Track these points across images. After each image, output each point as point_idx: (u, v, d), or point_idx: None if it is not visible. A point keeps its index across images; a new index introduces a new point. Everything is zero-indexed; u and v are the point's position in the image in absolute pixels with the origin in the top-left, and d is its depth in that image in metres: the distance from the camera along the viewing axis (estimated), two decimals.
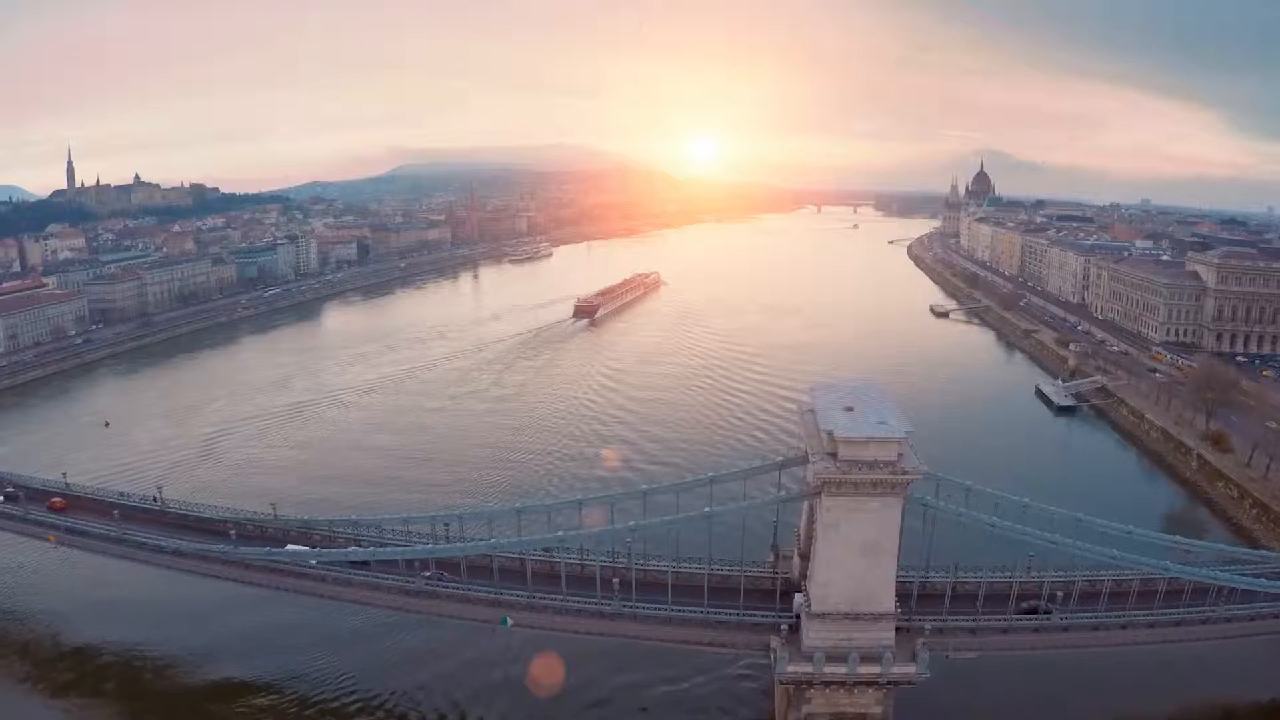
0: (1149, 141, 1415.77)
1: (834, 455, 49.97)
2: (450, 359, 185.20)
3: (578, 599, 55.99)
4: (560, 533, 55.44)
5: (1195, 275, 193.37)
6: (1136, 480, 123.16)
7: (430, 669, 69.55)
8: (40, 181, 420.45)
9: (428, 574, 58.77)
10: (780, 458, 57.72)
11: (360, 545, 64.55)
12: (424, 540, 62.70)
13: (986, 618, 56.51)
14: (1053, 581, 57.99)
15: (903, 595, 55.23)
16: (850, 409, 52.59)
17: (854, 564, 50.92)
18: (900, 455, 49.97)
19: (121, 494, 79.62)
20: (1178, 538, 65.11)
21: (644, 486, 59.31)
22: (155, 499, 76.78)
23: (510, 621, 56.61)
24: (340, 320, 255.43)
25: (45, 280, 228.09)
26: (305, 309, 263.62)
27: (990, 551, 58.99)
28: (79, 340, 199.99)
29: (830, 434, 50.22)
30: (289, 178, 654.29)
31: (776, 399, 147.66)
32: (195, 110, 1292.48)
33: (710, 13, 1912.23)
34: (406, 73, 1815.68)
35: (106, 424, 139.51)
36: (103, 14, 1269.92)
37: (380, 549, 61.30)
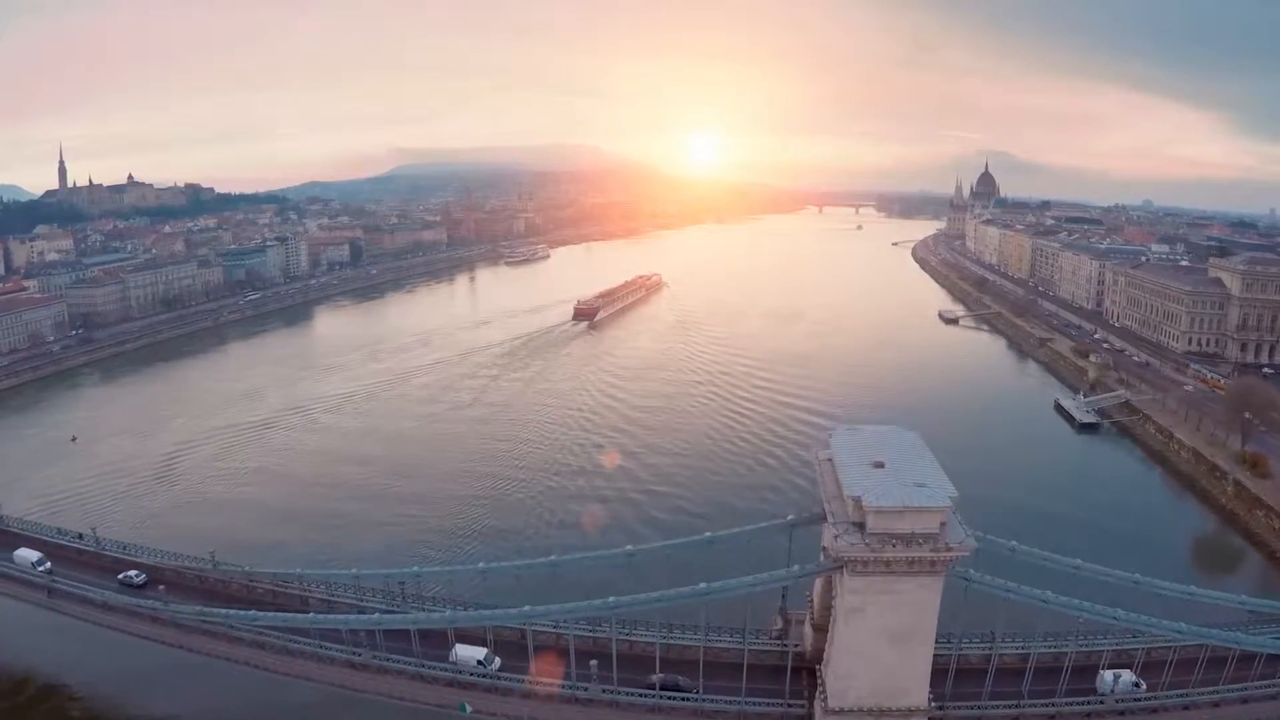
0: (1151, 142, 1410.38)
1: (861, 526, 41.15)
2: (435, 367, 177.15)
3: (549, 682, 47.67)
4: (528, 607, 46.89)
5: (1218, 282, 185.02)
6: (1167, 507, 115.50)
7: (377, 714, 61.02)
8: (39, 181, 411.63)
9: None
10: (791, 516, 48.75)
11: (306, 602, 56.80)
12: (378, 602, 54.65)
13: (1032, 702, 48.22)
14: (1111, 652, 50.66)
15: (936, 673, 46.56)
16: (880, 464, 43.71)
17: (881, 653, 42.31)
18: (943, 526, 40.99)
19: (58, 529, 73.20)
20: (1243, 597, 57.02)
21: (629, 547, 50.82)
22: (82, 536, 70.45)
23: (469, 707, 48.28)
24: (326, 326, 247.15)
25: (26, 283, 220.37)
26: (292, 314, 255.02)
27: (1035, 615, 50.51)
28: (57, 347, 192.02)
29: (857, 501, 41.41)
30: (288, 178, 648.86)
31: (782, 408, 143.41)
32: (195, 110, 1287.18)
33: (710, 13, 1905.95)
34: (406, 73, 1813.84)
35: (74, 438, 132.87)
36: (103, 14, 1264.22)
37: (323, 616, 53.08)
